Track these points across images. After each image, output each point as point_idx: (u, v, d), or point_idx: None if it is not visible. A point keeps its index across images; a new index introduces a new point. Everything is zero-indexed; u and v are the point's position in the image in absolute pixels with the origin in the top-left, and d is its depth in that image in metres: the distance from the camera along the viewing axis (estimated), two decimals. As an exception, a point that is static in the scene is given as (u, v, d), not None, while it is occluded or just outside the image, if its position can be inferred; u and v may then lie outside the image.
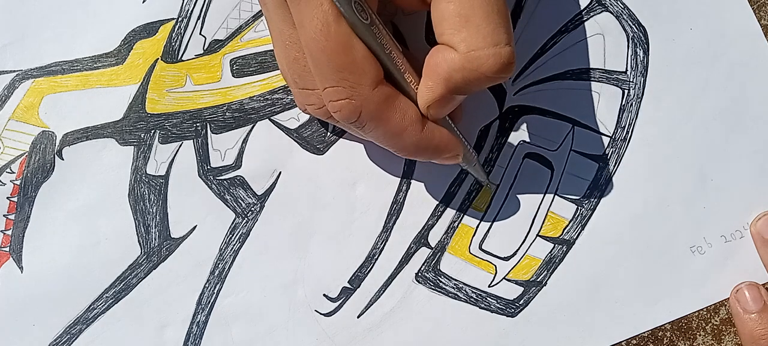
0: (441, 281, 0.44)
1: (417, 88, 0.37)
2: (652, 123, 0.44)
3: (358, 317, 0.44)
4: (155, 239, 0.43)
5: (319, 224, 0.44)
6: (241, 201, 0.44)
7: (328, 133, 0.44)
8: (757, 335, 0.42)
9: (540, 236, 0.44)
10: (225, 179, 0.44)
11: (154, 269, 0.43)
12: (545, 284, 0.44)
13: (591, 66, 0.44)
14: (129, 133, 0.44)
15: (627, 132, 0.44)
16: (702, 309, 0.44)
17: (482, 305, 0.44)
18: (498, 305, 0.44)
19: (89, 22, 0.44)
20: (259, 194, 0.44)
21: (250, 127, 0.44)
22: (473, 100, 0.44)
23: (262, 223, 0.44)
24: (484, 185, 0.44)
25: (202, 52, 0.44)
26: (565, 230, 0.44)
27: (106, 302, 0.43)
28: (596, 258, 0.44)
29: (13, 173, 0.43)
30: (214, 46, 0.44)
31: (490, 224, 0.44)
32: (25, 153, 0.43)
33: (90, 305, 0.43)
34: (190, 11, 0.44)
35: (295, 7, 0.34)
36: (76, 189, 0.43)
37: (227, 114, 0.44)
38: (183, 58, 0.44)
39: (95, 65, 0.44)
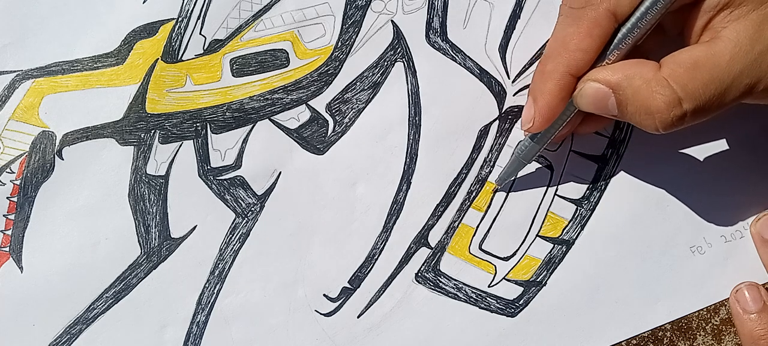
0: (441, 281, 0.44)
1: (609, 62, 0.38)
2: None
3: (358, 317, 0.44)
4: (155, 239, 0.43)
5: (319, 224, 0.44)
6: (241, 201, 0.44)
7: (329, 133, 0.44)
8: (757, 336, 0.42)
9: (540, 236, 0.44)
10: (225, 179, 0.44)
11: (154, 269, 0.43)
12: (545, 284, 0.44)
13: (591, 66, 0.44)
14: (129, 133, 0.44)
15: (626, 133, 0.44)
16: (702, 309, 0.44)
17: (482, 305, 0.44)
18: (498, 305, 0.44)
19: (89, 22, 0.44)
20: (259, 194, 0.44)
21: (250, 127, 0.44)
22: (473, 100, 0.44)
23: (262, 223, 0.44)
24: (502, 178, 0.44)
25: (202, 52, 0.44)
26: (565, 230, 0.44)
27: (106, 302, 0.43)
28: (596, 258, 0.44)
29: (13, 173, 0.43)
30: (214, 46, 0.44)
31: (490, 224, 0.44)
32: (25, 153, 0.43)
33: (90, 305, 0.43)
34: (190, 11, 0.44)
35: None
36: (76, 189, 0.43)
37: (227, 114, 0.44)
38: (183, 58, 0.44)
39: (95, 65, 0.44)
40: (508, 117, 0.44)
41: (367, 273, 0.44)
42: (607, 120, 0.43)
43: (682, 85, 0.35)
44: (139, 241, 0.43)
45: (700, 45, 0.36)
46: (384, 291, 0.44)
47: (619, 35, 0.37)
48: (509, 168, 0.43)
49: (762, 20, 0.35)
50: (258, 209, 0.44)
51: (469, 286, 0.44)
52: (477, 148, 0.44)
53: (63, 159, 0.43)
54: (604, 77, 0.37)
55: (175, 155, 0.44)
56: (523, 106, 0.44)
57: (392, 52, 0.44)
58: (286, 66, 0.44)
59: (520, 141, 0.42)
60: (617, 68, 0.37)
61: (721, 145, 0.44)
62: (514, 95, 0.44)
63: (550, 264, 0.44)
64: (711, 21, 0.36)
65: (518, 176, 0.44)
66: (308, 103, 0.44)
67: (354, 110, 0.44)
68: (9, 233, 0.43)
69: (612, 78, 0.37)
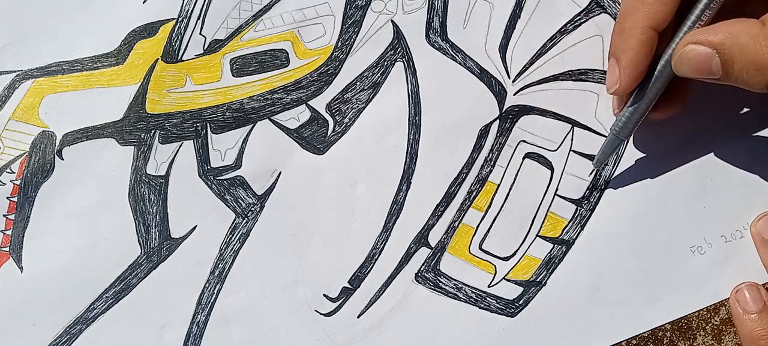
0: (441, 281, 0.44)
1: (702, 24, 0.37)
2: (651, 123, 0.44)
3: (358, 317, 0.44)
4: (155, 239, 0.43)
5: (319, 224, 0.44)
6: (241, 201, 0.44)
7: (329, 133, 0.44)
8: (757, 336, 0.42)
9: (539, 236, 0.44)
10: (225, 179, 0.44)
11: (154, 269, 0.43)
12: (545, 284, 0.44)
13: (590, 67, 0.44)
14: (129, 133, 0.44)
15: (627, 133, 0.44)
16: (702, 309, 0.44)
17: (482, 305, 0.44)
18: (498, 305, 0.44)
19: (89, 22, 0.44)
20: (259, 194, 0.44)
21: (250, 127, 0.44)
22: (474, 99, 0.44)
23: (262, 223, 0.44)
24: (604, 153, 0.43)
25: (202, 52, 0.44)
26: (565, 230, 0.44)
27: (106, 302, 0.43)
28: (596, 258, 0.44)
29: (13, 173, 0.43)
30: (214, 46, 0.44)
31: (490, 223, 0.44)
32: (25, 153, 0.43)
33: (90, 305, 0.43)
34: (190, 11, 0.44)
35: None
36: (76, 189, 0.43)
37: (227, 114, 0.44)
38: (183, 58, 0.44)
39: (95, 65, 0.44)
40: (509, 117, 0.44)
41: (367, 273, 0.44)
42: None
43: None
44: (139, 241, 0.43)
45: None
46: (384, 291, 0.44)
47: None
48: (606, 148, 0.42)
49: None
50: (258, 209, 0.44)
51: (469, 286, 0.44)
52: (477, 147, 0.44)
53: (63, 159, 0.43)
54: (706, 38, 0.36)
55: (175, 155, 0.44)
56: (523, 106, 0.44)
57: (392, 52, 0.44)
58: (286, 66, 0.44)
59: (616, 119, 0.41)
60: (717, 28, 0.36)
61: (721, 145, 0.44)
62: (514, 95, 0.44)
63: (550, 264, 0.44)
64: None
65: (518, 176, 0.44)
66: (308, 103, 0.44)
67: (354, 110, 0.44)
68: (9, 233, 0.43)
69: (714, 38, 0.36)
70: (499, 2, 0.44)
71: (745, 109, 0.44)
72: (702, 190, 0.44)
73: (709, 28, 0.36)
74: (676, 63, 0.38)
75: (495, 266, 0.44)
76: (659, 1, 0.37)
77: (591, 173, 0.44)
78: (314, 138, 0.44)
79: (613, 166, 0.44)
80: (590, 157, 0.44)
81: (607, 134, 0.43)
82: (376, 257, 0.44)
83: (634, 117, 0.40)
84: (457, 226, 0.44)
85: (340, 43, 0.44)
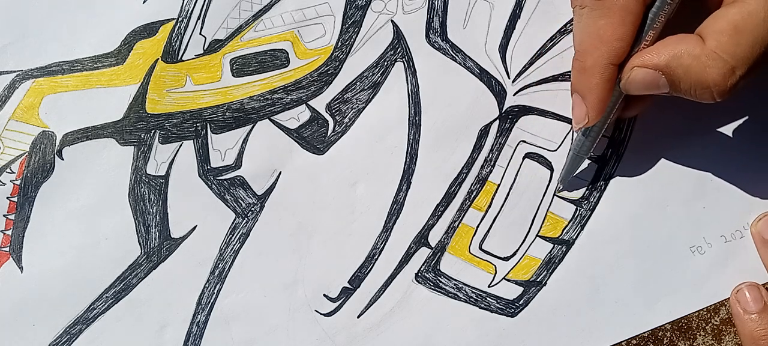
0: (441, 281, 0.44)
1: (645, 46, 0.38)
2: (651, 123, 0.44)
3: (358, 317, 0.44)
4: (155, 239, 0.43)
5: (319, 224, 0.44)
6: (241, 201, 0.44)
7: (329, 133, 0.44)
8: (758, 336, 0.42)
9: (539, 236, 0.44)
10: (225, 179, 0.44)
11: (154, 269, 0.43)
12: (545, 284, 0.44)
13: (591, 66, 0.44)
14: (129, 133, 0.44)
15: (626, 133, 0.44)
16: (702, 309, 0.44)
17: (482, 305, 0.44)
18: (498, 305, 0.44)
19: (89, 22, 0.44)
20: (259, 194, 0.44)
21: (250, 127, 0.44)
22: (474, 99, 0.44)
23: (262, 223, 0.44)
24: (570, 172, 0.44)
25: (202, 52, 0.44)
26: (565, 230, 0.44)
27: (106, 302, 0.43)
28: (596, 258, 0.44)
29: (13, 173, 0.43)
30: (214, 46, 0.44)
31: (490, 224, 0.44)
32: (25, 153, 0.43)
33: (90, 305, 0.43)
34: (190, 11, 0.44)
35: None
36: (76, 189, 0.43)
37: (227, 114, 0.44)
38: (183, 58, 0.44)
39: (95, 65, 0.44)
40: (509, 117, 0.44)
41: (367, 273, 0.44)
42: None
43: (731, 53, 0.35)
44: (139, 241, 0.43)
45: (733, 7, 0.36)
46: (384, 291, 0.44)
47: (651, 14, 0.37)
48: (569, 167, 0.43)
49: None
50: (258, 209, 0.44)
51: (469, 286, 0.44)
52: (477, 147, 0.44)
53: (63, 159, 0.43)
54: (651, 61, 0.37)
55: (175, 155, 0.44)
56: (523, 106, 0.44)
57: (392, 52, 0.44)
58: (286, 66, 0.44)
59: (574, 139, 0.43)
60: (661, 49, 0.37)
61: (721, 145, 0.44)
62: (514, 95, 0.44)
63: (550, 264, 0.44)
64: None
65: (518, 176, 0.44)
66: (308, 103, 0.44)
67: (354, 110, 0.44)
68: (9, 233, 0.43)
69: (659, 60, 0.37)
70: (499, 2, 0.44)
71: (745, 110, 0.44)
72: (702, 190, 0.44)
73: (653, 49, 0.37)
74: (624, 85, 0.39)
75: (495, 266, 0.44)
76: (617, 37, 0.37)
77: (559, 192, 0.44)
78: (314, 138, 0.44)
79: (613, 167, 0.44)
80: (590, 158, 0.44)
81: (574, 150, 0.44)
82: (376, 257, 0.44)
83: (593, 138, 0.41)
84: (457, 226, 0.44)
85: (340, 43, 0.44)
